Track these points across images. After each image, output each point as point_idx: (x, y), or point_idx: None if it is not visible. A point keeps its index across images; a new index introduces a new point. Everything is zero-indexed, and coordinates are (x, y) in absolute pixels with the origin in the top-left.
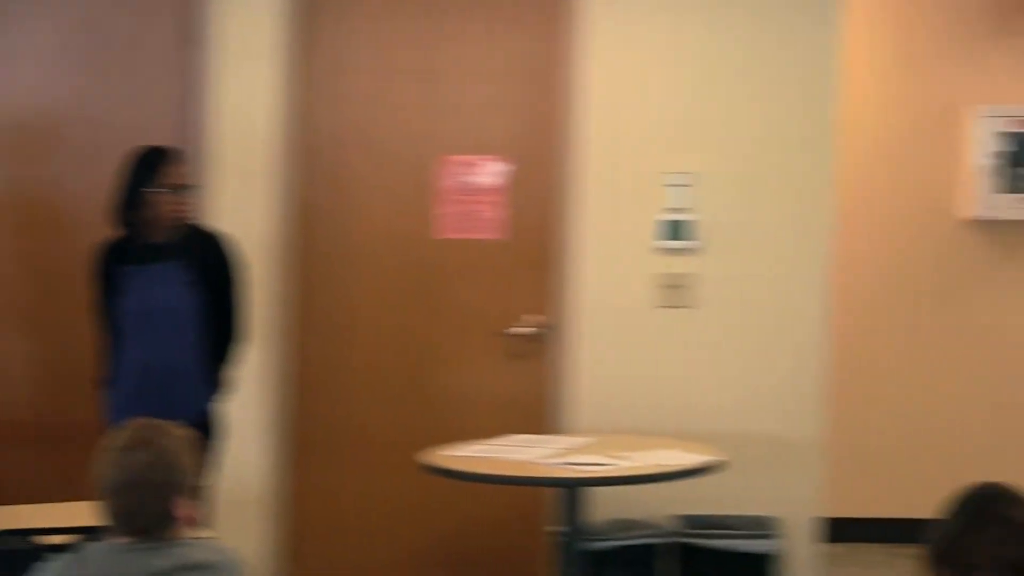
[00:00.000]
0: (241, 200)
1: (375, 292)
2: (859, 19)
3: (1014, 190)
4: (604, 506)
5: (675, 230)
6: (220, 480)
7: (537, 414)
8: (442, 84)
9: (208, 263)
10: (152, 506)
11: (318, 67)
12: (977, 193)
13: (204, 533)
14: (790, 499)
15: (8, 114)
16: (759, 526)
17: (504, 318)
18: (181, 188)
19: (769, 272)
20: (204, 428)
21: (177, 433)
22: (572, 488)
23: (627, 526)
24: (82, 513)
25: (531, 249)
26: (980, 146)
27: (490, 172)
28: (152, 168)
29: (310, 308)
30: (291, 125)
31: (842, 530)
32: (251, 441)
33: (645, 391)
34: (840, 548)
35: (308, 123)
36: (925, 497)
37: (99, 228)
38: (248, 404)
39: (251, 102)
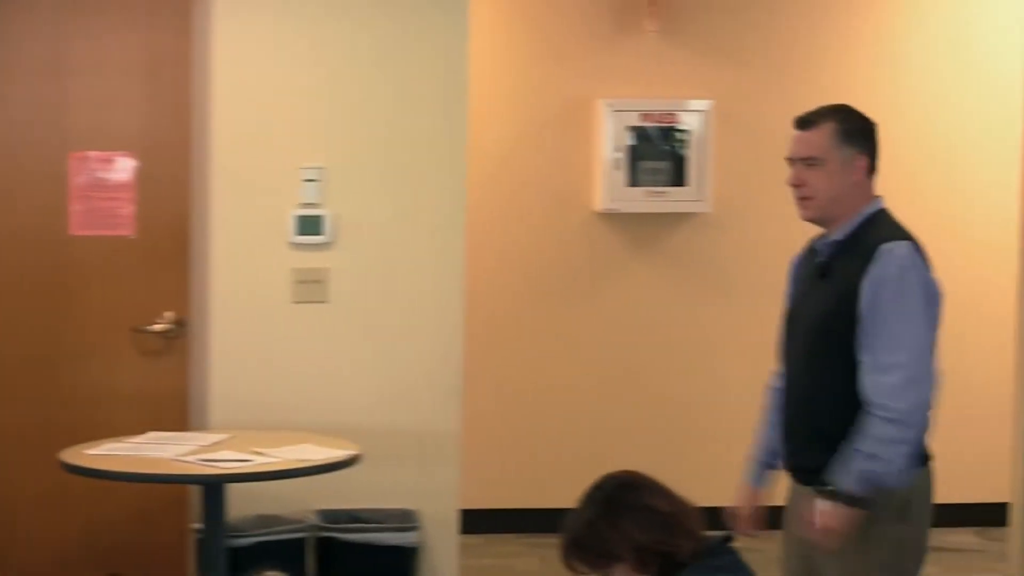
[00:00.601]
0: None
1: (7, 291)
2: (490, 13)
3: (638, 183)
4: (246, 502)
5: (310, 225)
6: None
7: (176, 411)
8: (71, 79)
9: None
10: None
11: None
12: (606, 186)
13: None
14: (429, 492)
15: None
16: (399, 519)
17: (140, 315)
18: None
19: (405, 266)
20: None
21: None
22: (211, 485)
23: (268, 522)
24: None
25: (166, 245)
26: (609, 140)
27: (122, 168)
28: None
29: None
30: None
31: (480, 521)
32: None
33: (283, 387)
34: (479, 539)
35: None
36: (561, 487)
37: None
38: None
39: None
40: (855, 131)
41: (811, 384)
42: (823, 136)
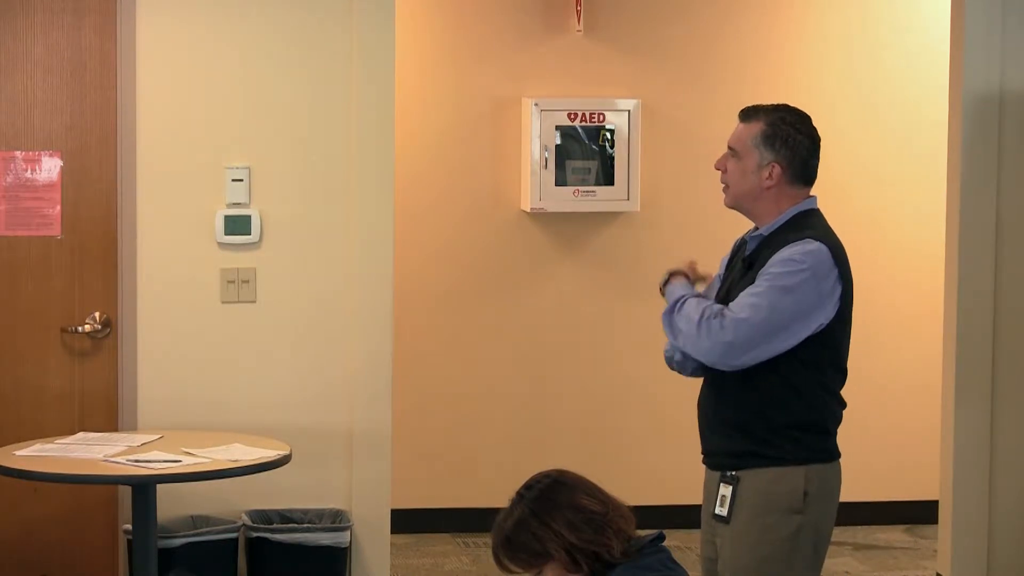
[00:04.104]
0: None
1: None
2: (417, 11)
3: (566, 182)
4: (176, 503)
5: (237, 225)
6: None
7: (105, 411)
8: None
9: None
10: None
11: None
12: (534, 186)
13: None
14: (360, 491)
15: None
16: (330, 519)
17: (68, 315)
18: None
19: (333, 265)
20: None
21: None
22: (141, 485)
23: (199, 523)
24: None
25: (93, 245)
26: (536, 139)
27: (48, 168)
28: None
29: None
30: None
31: (411, 521)
32: None
33: (213, 387)
34: (410, 538)
35: None
36: (492, 486)
37: None
38: None
39: None
40: (779, 138)
41: (722, 372)
42: (749, 133)
